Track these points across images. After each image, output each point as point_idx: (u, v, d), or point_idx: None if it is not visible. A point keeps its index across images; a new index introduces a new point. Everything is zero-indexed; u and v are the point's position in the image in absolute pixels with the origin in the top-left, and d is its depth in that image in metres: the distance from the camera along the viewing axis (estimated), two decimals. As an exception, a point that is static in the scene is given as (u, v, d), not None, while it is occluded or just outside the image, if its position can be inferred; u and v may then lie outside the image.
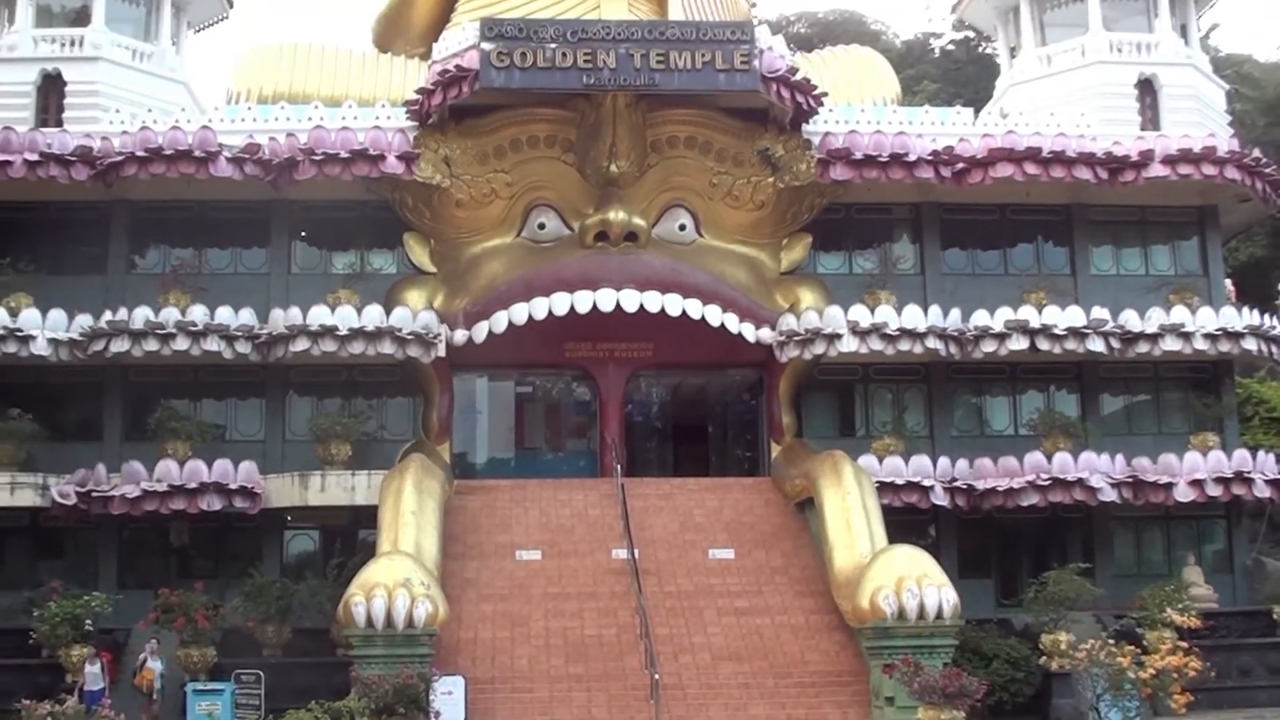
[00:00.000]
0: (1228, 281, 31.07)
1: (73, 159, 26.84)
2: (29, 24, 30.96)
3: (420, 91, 26.48)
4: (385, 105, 27.49)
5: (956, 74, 54.66)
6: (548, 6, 30.25)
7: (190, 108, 29.42)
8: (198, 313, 26.05)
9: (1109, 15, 32.77)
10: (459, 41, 26.53)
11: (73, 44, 30.67)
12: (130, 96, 29.82)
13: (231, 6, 33.70)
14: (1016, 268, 29.22)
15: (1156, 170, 28.17)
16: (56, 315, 26.42)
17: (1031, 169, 27.56)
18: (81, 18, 31.49)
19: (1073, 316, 27.27)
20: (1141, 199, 29.22)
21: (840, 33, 52.85)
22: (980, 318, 27.27)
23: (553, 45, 25.36)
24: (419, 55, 30.06)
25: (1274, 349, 28.56)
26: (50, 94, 30.08)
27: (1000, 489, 26.43)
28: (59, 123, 28.92)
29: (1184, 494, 26.93)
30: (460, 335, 26.14)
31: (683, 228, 27.29)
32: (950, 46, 57.56)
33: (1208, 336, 27.76)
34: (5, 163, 26.65)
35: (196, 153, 26.37)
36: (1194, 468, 27.11)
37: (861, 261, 28.95)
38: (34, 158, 26.77)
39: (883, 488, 25.06)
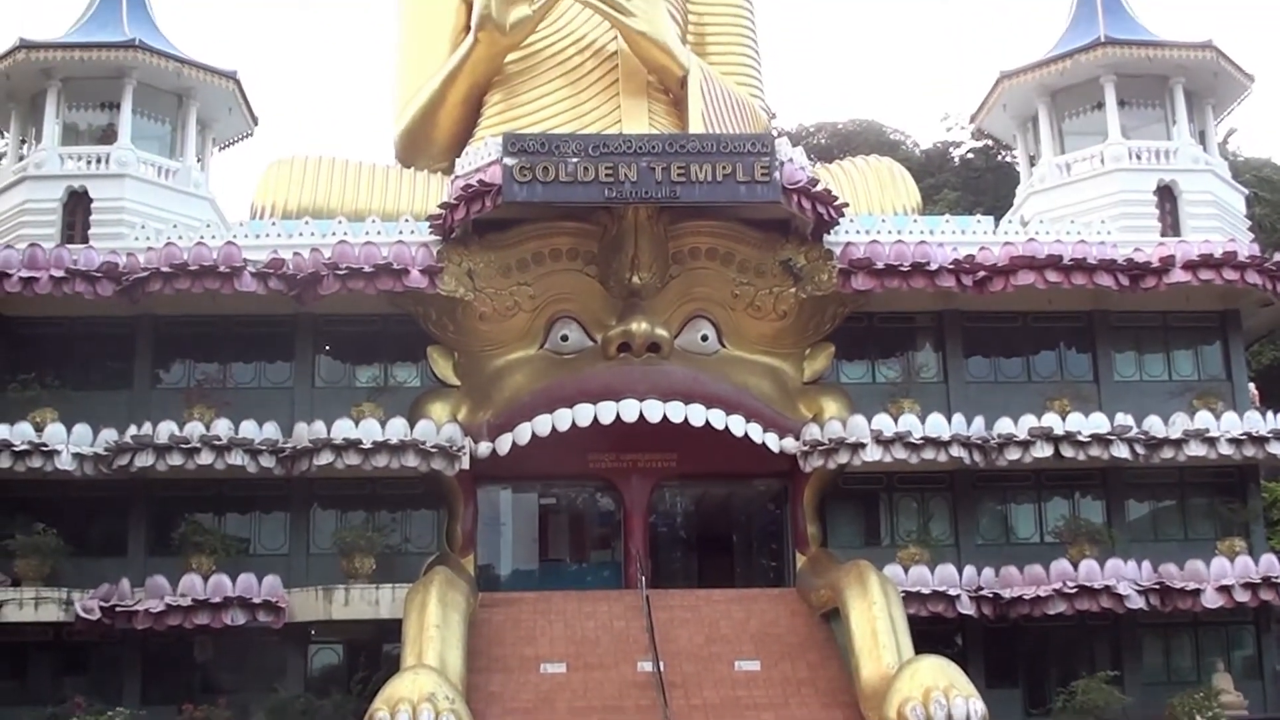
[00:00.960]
0: (1251, 385, 31.31)
1: (98, 275, 27.42)
2: (55, 142, 31.79)
3: (443, 206, 27.06)
4: (409, 219, 28.06)
5: (976, 182, 55.47)
6: (569, 121, 31.20)
7: (215, 223, 30.06)
8: (222, 427, 26.39)
9: (1127, 123, 33.44)
10: (481, 156, 27.13)
11: (99, 161, 31.48)
12: (156, 213, 30.58)
13: (256, 123, 34.59)
14: (1040, 375, 29.50)
15: (1178, 276, 28.55)
16: (81, 430, 26.80)
17: (1053, 277, 28.00)
18: (108, 135, 32.36)
19: (1097, 423, 27.49)
20: (1163, 305, 29.59)
21: (860, 143, 53.80)
22: (1004, 425, 27.51)
23: (574, 159, 25.93)
24: (441, 170, 30.72)
25: (1300, 453, 28.77)
26: (76, 210, 30.84)
27: (1027, 597, 26.44)
28: (85, 239, 29.61)
29: (1212, 600, 26.92)
30: (484, 448, 26.42)
31: (705, 338, 27.68)
32: (969, 155, 58.43)
33: (1232, 441, 27.94)
34: (31, 279, 27.22)
35: (221, 268, 26.90)
36: (1221, 573, 27.15)
37: (885, 370, 29.31)
38: (60, 274, 27.34)
39: (909, 597, 25.12)
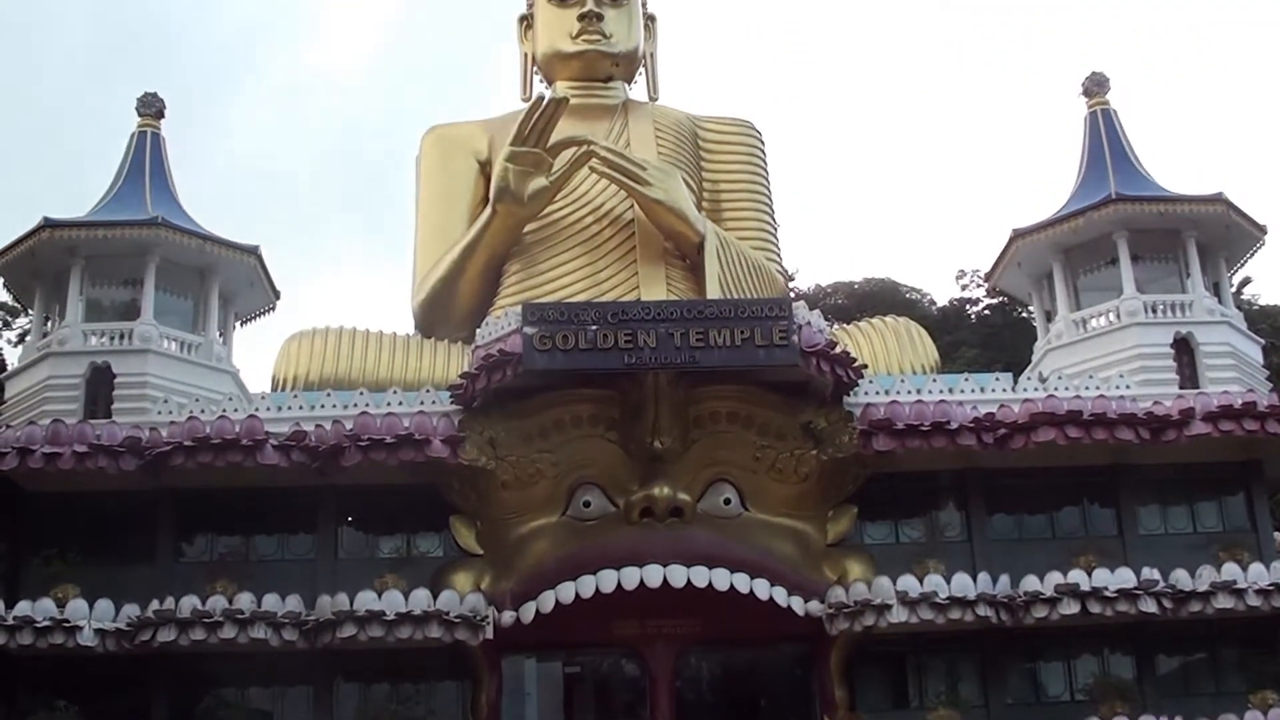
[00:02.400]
0: (1277, 535, 31.34)
1: (121, 450, 27.75)
2: (79, 318, 32.52)
3: (464, 376, 27.50)
4: (430, 389, 28.46)
5: (994, 338, 56.11)
6: (587, 289, 31.76)
7: (237, 396, 30.45)
8: (244, 600, 26.52)
9: (1142, 277, 34.03)
10: (501, 326, 27.61)
11: (122, 338, 32.18)
12: (178, 387, 31.18)
13: (278, 297, 35.37)
14: (1064, 530, 29.64)
15: (1198, 428, 28.80)
16: (104, 605, 26.94)
17: (1074, 432, 28.32)
18: (131, 311, 33.11)
19: (1123, 578, 27.51)
20: (1185, 457, 29.71)
21: (876, 303, 54.56)
22: (1030, 583, 27.55)
23: (593, 327, 26.41)
24: (462, 339, 31.18)
25: (1328, 603, 28.68)
26: (99, 386, 31.40)
27: (1061, 758, 26.42)
28: (108, 414, 30.10)
29: (1247, 755, 26.75)
30: (508, 617, 26.45)
31: (728, 502, 27.88)
32: (986, 312, 59.18)
33: (1260, 592, 27.92)
34: (54, 455, 27.54)
35: (244, 442, 27.25)
36: (1256, 728, 26.96)
37: (908, 530, 29.50)
38: (83, 449, 27.68)
39: (941, 760, 25.14)
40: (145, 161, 35.81)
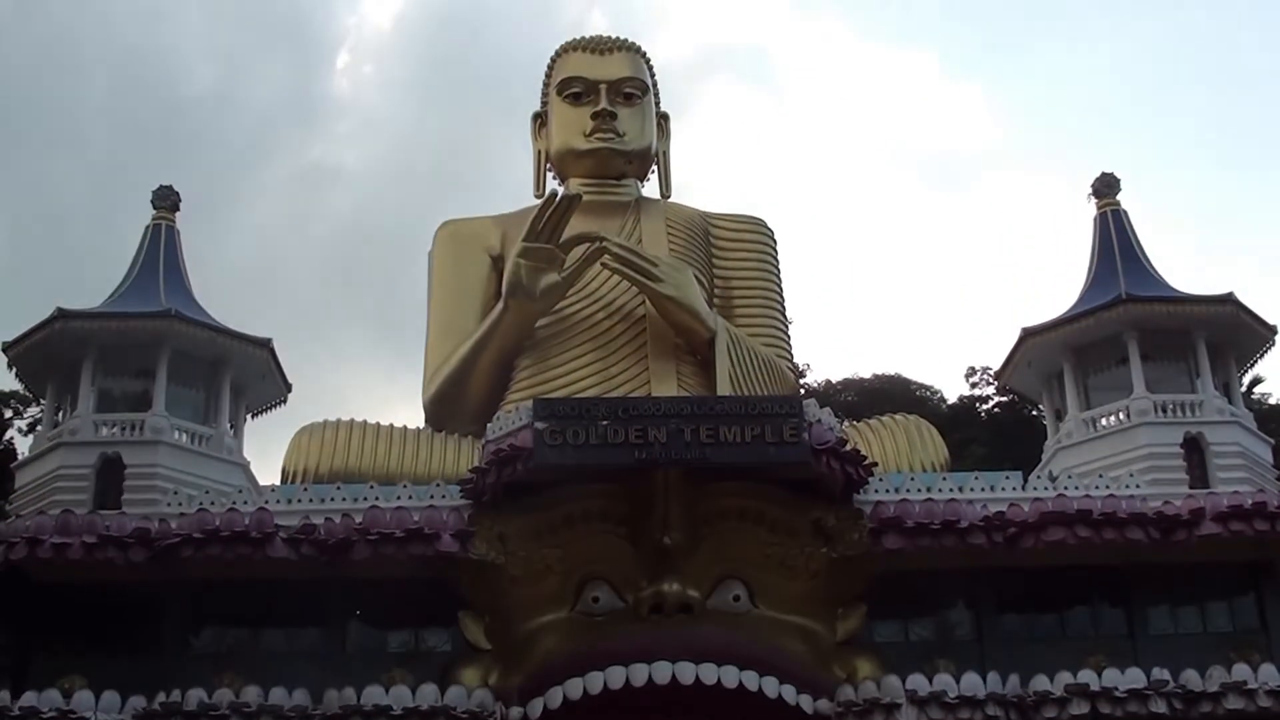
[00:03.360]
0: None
1: (130, 541, 27.85)
2: (90, 409, 32.92)
3: (475, 470, 27.66)
4: (440, 484, 28.67)
5: (1003, 436, 56.24)
6: (598, 384, 32.08)
7: (247, 489, 30.78)
8: (251, 694, 26.50)
9: (1152, 377, 34.34)
10: (512, 421, 27.77)
11: (133, 429, 32.55)
12: (188, 479, 31.50)
13: (289, 389, 35.79)
14: (1074, 630, 29.57)
15: (1209, 528, 28.81)
16: (110, 697, 26.88)
17: (1084, 532, 28.37)
18: (142, 402, 33.50)
19: (1133, 678, 27.37)
20: (1195, 557, 29.58)
21: (887, 399, 54.82)
22: (1040, 683, 27.39)
23: (604, 423, 26.60)
24: (472, 434, 31.37)
25: (1340, 706, 28.60)
26: (110, 476, 31.73)
27: None
28: (118, 505, 30.38)
29: None
30: (515, 712, 26.37)
31: (737, 599, 27.87)
32: (996, 410, 59.45)
33: (1271, 693, 27.71)
34: (63, 545, 27.66)
35: (253, 534, 27.36)
36: (1268, 832, 26.85)
37: (918, 629, 29.44)
38: (92, 540, 27.77)
39: None
40: (159, 254, 36.42)
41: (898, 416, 34.52)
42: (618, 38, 38.73)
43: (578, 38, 38.92)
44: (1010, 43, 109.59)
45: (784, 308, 37.51)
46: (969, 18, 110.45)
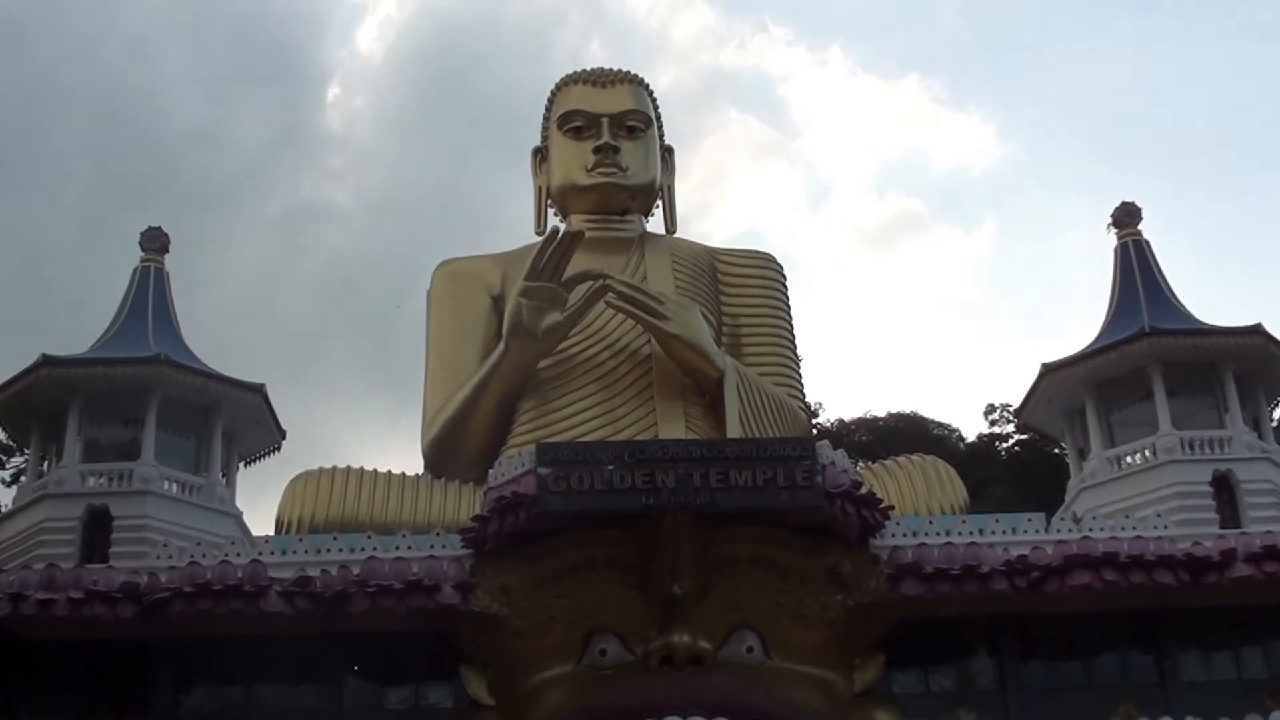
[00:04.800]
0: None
1: (118, 596, 27.62)
2: (76, 459, 32.86)
3: (476, 519, 27.40)
4: (440, 533, 28.47)
5: (1024, 476, 56.18)
6: (603, 427, 31.99)
7: (240, 540, 30.70)
8: (245, 754, 26.67)
9: (1178, 413, 34.23)
10: (514, 467, 27.54)
11: (121, 479, 32.49)
12: (179, 530, 31.44)
13: (283, 436, 35.74)
14: (1102, 678, 29.27)
15: (1241, 570, 28.54)
16: (97, 760, 27.10)
17: (1110, 575, 28.13)
18: (130, 451, 33.46)
19: (1166, 729, 27.41)
20: (1228, 600, 29.38)
21: (902, 439, 54.70)
22: (1068, 735, 27.51)
23: (610, 467, 26.38)
24: (473, 480, 31.32)
25: (1379, 754, 28.36)
26: (97, 529, 31.69)
27: None
28: (105, 558, 30.27)
29: None
30: (520, 771, 26.27)
31: (750, 649, 27.61)
32: (1016, 449, 59.35)
33: (1310, 742, 27.73)
34: (49, 601, 27.56)
35: (246, 587, 27.17)
36: None
37: (939, 679, 29.13)
38: (78, 595, 27.62)
39: None
40: (148, 297, 36.45)
41: (914, 457, 34.37)
42: (619, 70, 38.81)
43: (578, 70, 39.02)
44: (1021, 68, 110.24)
45: (794, 345, 37.43)
46: (977, 44, 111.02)
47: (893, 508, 28.96)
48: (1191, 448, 33.66)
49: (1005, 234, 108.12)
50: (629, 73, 38.74)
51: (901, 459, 34.07)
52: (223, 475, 34.41)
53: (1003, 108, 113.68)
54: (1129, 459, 34.47)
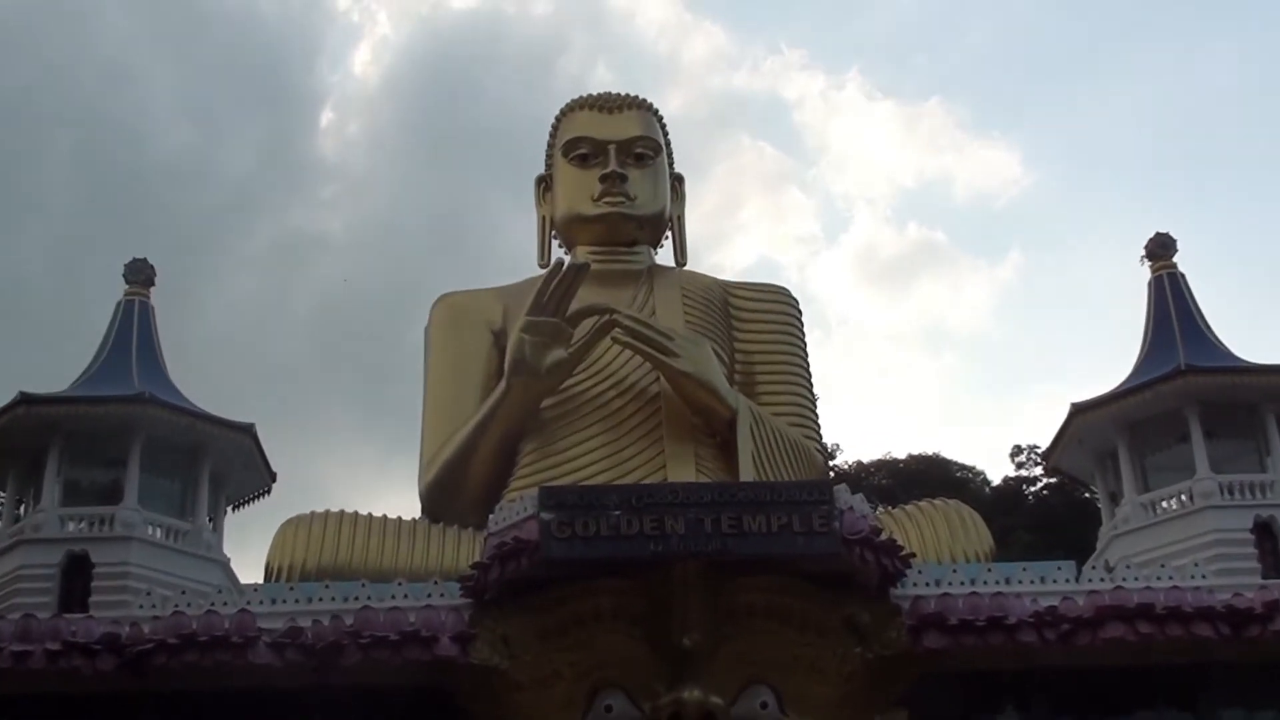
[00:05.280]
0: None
1: (98, 647, 27.54)
2: (55, 502, 32.99)
3: (476, 566, 27.28)
4: (437, 581, 28.35)
5: (1053, 522, 56.20)
6: (609, 469, 31.89)
7: (227, 588, 30.61)
8: (231, 816, 26.59)
9: (1216, 456, 34.27)
10: (516, 512, 27.37)
11: (102, 524, 32.62)
12: (163, 578, 31.50)
13: (274, 478, 35.83)
14: (1138, 737, 29.46)
15: (1284, 623, 28.87)
16: (76, 820, 26.99)
17: (1145, 628, 28.01)
18: (112, 494, 33.59)
19: (1207, 792, 27.33)
20: (1271, 654, 29.19)
21: (924, 482, 54.75)
22: (1102, 797, 27.39)
23: (617, 512, 26.30)
24: (473, 525, 31.26)
25: None
26: (76, 576, 31.78)
27: None
28: (84, 607, 30.26)
29: None
30: (521, 834, 26.06)
31: (765, 706, 27.33)
32: (1045, 493, 59.41)
33: (1358, 806, 27.63)
34: (24, 653, 27.49)
35: (233, 638, 27.02)
36: None
37: (964, 736, 29.33)
38: (55, 647, 27.54)
39: None
40: (132, 332, 36.62)
41: (937, 501, 34.29)
42: (627, 94, 38.83)
43: (584, 95, 39.05)
44: (1048, 92, 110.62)
45: (811, 383, 37.36)
46: (1003, 66, 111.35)
47: (914, 555, 28.89)
48: (1231, 493, 33.61)
49: (1032, 266, 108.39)
50: (637, 97, 38.79)
51: (923, 504, 33.99)
52: (209, 520, 34.44)
53: (1029, 133, 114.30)
54: (1164, 504, 34.46)
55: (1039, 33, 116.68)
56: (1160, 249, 39.00)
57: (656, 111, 39.17)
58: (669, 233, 38.91)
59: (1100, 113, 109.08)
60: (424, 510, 34.18)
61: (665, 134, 39.27)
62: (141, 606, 29.55)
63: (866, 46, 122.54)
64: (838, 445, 63.30)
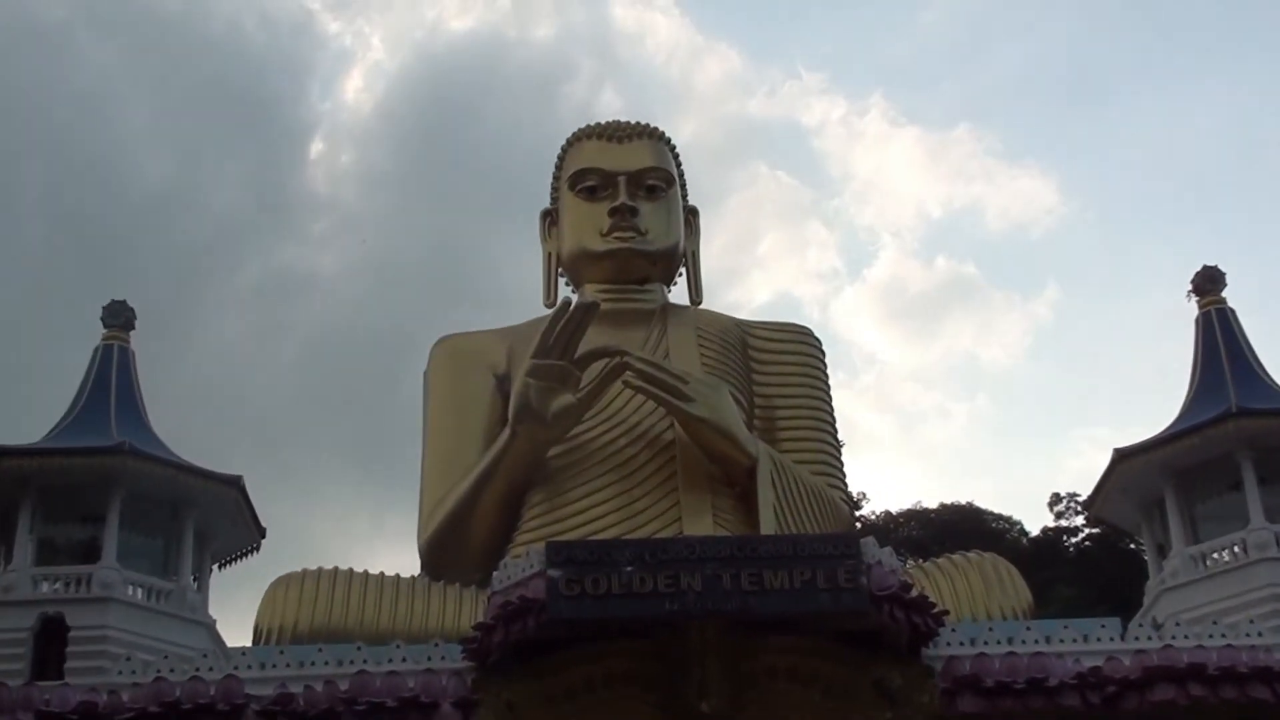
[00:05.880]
0: None
1: (74, 717, 27.57)
2: (29, 562, 32.99)
3: (479, 627, 27.31)
4: (438, 643, 28.30)
5: (1096, 576, 56.14)
6: (621, 522, 31.80)
7: (213, 652, 30.51)
8: None
9: (1271, 504, 34.18)
10: (521, 568, 27.43)
11: (78, 584, 32.58)
12: (143, 642, 31.46)
13: (263, 535, 35.79)
14: (1192, 806, 29.29)
15: (1347, 684, 28.75)
16: None
17: (1197, 690, 27.86)
18: (89, 552, 33.60)
19: None
20: (1333, 717, 29.66)
21: (957, 533, 54.73)
22: None
23: (629, 569, 26.25)
24: (475, 583, 31.28)
25: None
26: (50, 640, 31.73)
27: None
28: (59, 674, 30.27)
29: None
30: None
31: (788, 774, 27.72)
32: (1086, 544, 59.34)
33: None
34: (-4, 724, 28.02)
35: (220, 706, 27.02)
36: None
37: (1002, 807, 29.20)
38: (28, 717, 27.73)
39: None
40: (110, 379, 36.68)
41: (971, 554, 34.22)
42: (638, 123, 38.94)
43: (592, 124, 39.20)
44: (1086, 116, 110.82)
45: (835, 429, 37.36)
46: (1036, 89, 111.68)
47: (947, 612, 28.84)
48: (1287, 544, 33.51)
49: (1070, 302, 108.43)
50: (648, 126, 38.90)
51: (956, 557, 33.93)
52: (194, 579, 34.41)
53: (1066, 160, 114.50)
54: (1216, 556, 34.34)
55: (1074, 54, 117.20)
56: (1208, 283, 38.97)
57: (669, 140, 39.27)
58: (683, 269, 38.93)
59: (1141, 137, 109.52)
60: (423, 567, 34.15)
61: (678, 164, 39.35)
62: (121, 673, 29.56)
63: (890, 70, 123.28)
64: (864, 494, 63.45)
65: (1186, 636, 29.77)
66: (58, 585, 33.12)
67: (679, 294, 38.79)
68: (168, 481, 33.95)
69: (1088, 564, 58.26)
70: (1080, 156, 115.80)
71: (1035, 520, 63.96)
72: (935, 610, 28.25)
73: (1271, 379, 36.87)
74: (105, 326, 37.54)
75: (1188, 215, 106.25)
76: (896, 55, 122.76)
